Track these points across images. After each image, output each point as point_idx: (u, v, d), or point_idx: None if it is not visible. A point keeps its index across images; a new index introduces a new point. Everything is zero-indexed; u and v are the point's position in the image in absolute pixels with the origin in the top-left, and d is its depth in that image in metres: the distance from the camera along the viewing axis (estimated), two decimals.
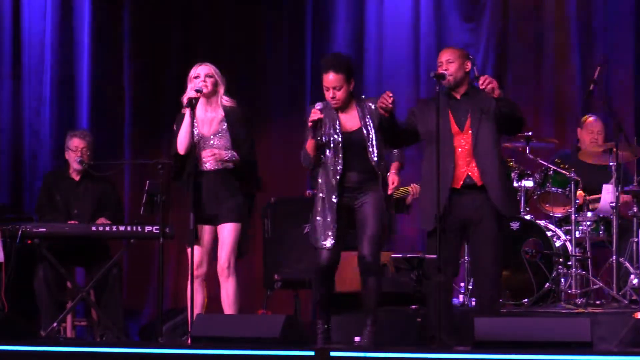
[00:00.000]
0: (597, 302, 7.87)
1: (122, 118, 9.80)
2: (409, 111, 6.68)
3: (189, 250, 6.69)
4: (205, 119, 6.95)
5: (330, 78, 6.61)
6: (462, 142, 6.46)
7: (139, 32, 9.87)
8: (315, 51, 9.76)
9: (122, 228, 7.65)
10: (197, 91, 6.82)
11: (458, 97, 6.53)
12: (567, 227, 8.09)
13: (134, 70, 9.85)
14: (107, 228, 7.68)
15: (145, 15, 9.90)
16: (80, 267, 8.27)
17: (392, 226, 6.78)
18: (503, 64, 9.55)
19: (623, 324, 6.88)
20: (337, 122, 6.65)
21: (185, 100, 6.85)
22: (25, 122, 9.72)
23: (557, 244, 8.00)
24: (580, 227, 8.09)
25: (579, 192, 8.10)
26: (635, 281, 7.81)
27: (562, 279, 7.94)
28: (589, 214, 8.09)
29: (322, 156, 6.66)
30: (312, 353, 5.68)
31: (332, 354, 5.66)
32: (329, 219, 6.59)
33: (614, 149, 7.75)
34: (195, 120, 6.88)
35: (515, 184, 8.04)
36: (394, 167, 6.87)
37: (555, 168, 8.07)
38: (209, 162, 6.87)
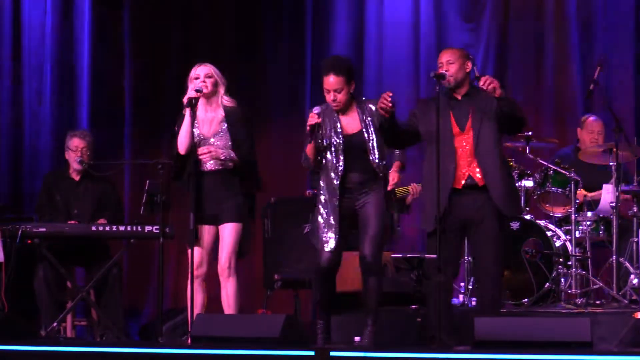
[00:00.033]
0: (597, 302, 7.87)
1: (122, 118, 9.80)
2: (410, 112, 6.68)
3: (189, 250, 6.69)
4: (205, 119, 6.96)
5: (331, 80, 6.61)
6: (463, 143, 6.45)
7: (139, 32, 9.87)
8: (315, 51, 9.76)
9: (122, 228, 7.65)
10: (197, 91, 6.82)
11: (459, 97, 6.53)
12: (567, 227, 8.09)
13: (134, 70, 9.86)
14: (107, 228, 7.68)
15: (145, 15, 9.90)
16: (80, 267, 8.27)
17: (397, 227, 6.78)
18: (503, 64, 9.55)
19: (623, 324, 6.88)
20: (338, 125, 6.65)
21: (185, 100, 6.85)
22: (25, 122, 9.72)
23: (557, 243, 8.00)
24: (580, 227, 8.10)
25: (580, 191, 8.10)
26: (635, 281, 7.81)
27: (562, 279, 7.94)
28: (589, 213, 8.09)
29: (323, 159, 6.66)
30: (312, 353, 5.68)
31: (332, 353, 5.66)
32: (331, 221, 6.59)
33: (614, 149, 7.75)
34: (196, 121, 6.89)
35: (515, 184, 8.04)
36: (395, 166, 6.87)
37: (555, 168, 8.07)
38: (208, 162, 6.88)
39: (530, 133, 8.16)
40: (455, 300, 7.95)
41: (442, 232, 6.21)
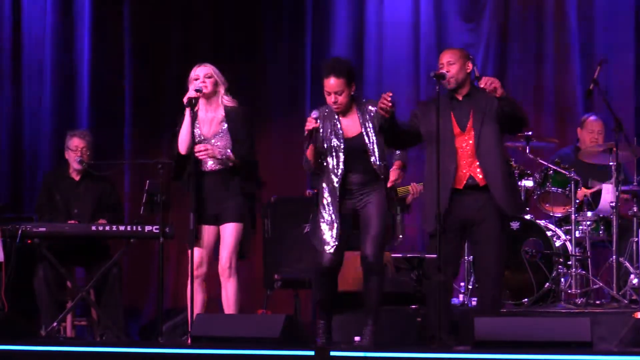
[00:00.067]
0: (597, 302, 7.88)
1: (122, 118, 9.80)
2: (411, 113, 6.68)
3: (189, 250, 6.69)
4: (205, 120, 6.96)
5: (332, 83, 6.61)
6: (464, 143, 6.45)
7: (139, 31, 9.87)
8: (315, 51, 9.76)
9: (122, 228, 7.64)
10: (197, 91, 6.83)
11: (460, 98, 6.53)
12: (567, 227, 8.09)
13: (134, 70, 9.85)
14: (107, 228, 7.68)
15: (145, 15, 9.90)
16: (80, 266, 8.27)
17: (402, 229, 6.77)
18: (503, 64, 9.55)
19: (623, 324, 6.88)
20: (338, 127, 6.65)
21: (185, 100, 6.85)
22: (25, 122, 9.72)
23: (557, 243, 8.00)
24: (580, 227, 8.10)
25: (581, 190, 8.10)
26: (635, 281, 7.81)
27: (562, 279, 7.95)
28: (589, 213, 8.09)
29: (323, 161, 6.66)
30: (312, 353, 5.68)
31: (332, 353, 5.66)
32: (332, 222, 6.59)
33: (614, 149, 7.75)
34: (197, 121, 6.90)
35: (517, 184, 8.03)
36: (395, 165, 6.87)
37: (555, 168, 8.07)
38: (209, 162, 6.88)
39: (530, 133, 8.16)
40: (455, 300, 7.96)
41: (442, 232, 6.21)
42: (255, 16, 9.91)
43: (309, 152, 6.64)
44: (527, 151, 8.20)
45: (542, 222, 8.10)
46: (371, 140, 6.61)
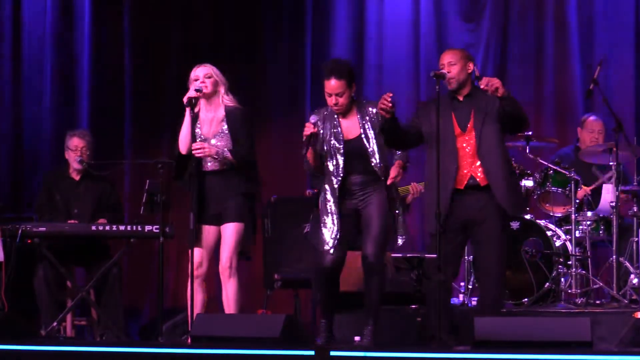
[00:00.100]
0: (597, 302, 7.88)
1: (122, 118, 9.80)
2: (413, 114, 6.68)
3: (189, 250, 6.69)
4: (206, 120, 6.97)
5: (332, 84, 6.61)
6: (465, 144, 6.45)
7: (139, 32, 9.87)
8: (315, 51, 9.76)
9: (122, 227, 7.65)
10: (197, 91, 6.83)
11: (461, 98, 6.53)
12: (567, 227, 8.09)
13: (134, 70, 9.85)
14: (107, 227, 7.68)
15: (145, 15, 9.90)
16: (80, 266, 8.27)
17: (405, 229, 6.75)
18: (503, 64, 9.55)
19: (623, 323, 6.88)
20: (338, 129, 6.66)
21: (185, 100, 6.86)
22: (25, 122, 9.72)
23: (557, 243, 8.00)
24: (580, 227, 8.10)
25: (582, 188, 8.10)
26: (635, 281, 7.81)
27: (562, 279, 7.94)
28: (589, 213, 8.09)
29: (324, 163, 6.66)
30: (312, 353, 5.68)
31: (332, 353, 5.66)
32: (334, 224, 6.59)
33: (614, 149, 7.75)
34: (198, 121, 6.91)
35: (518, 184, 8.03)
36: (396, 164, 6.86)
37: (555, 168, 8.07)
38: (209, 162, 6.89)
39: (530, 133, 8.15)
40: (455, 300, 7.96)
41: (443, 232, 6.21)
42: (255, 16, 9.91)
43: (309, 156, 6.65)
44: (527, 151, 8.20)
45: (542, 222, 8.10)
46: (371, 142, 6.61)
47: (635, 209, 7.86)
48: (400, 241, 6.72)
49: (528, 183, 8.11)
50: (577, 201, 8.02)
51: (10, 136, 9.65)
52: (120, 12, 9.86)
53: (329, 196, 6.62)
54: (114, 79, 9.82)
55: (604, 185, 8.03)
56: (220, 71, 7.00)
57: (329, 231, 6.59)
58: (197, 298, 6.78)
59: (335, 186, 6.61)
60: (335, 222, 6.59)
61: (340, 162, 6.62)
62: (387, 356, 5.69)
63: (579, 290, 7.82)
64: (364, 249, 6.59)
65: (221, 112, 6.95)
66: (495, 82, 6.26)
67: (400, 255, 7.60)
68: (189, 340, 6.42)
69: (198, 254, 6.84)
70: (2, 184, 9.56)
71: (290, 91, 9.84)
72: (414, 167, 7.51)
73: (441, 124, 6.32)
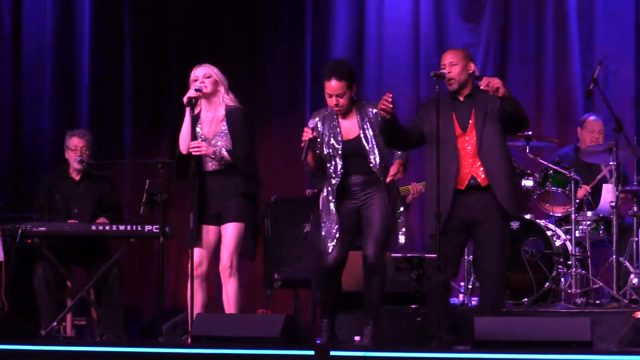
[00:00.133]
0: (597, 302, 7.88)
1: (122, 117, 9.80)
2: (414, 115, 6.68)
3: (189, 250, 6.69)
4: (206, 119, 6.97)
5: (333, 85, 6.61)
6: (466, 144, 6.45)
7: (139, 32, 9.87)
8: (315, 51, 9.77)
9: (122, 227, 7.65)
10: (197, 91, 6.84)
11: (461, 98, 6.53)
12: (567, 227, 8.09)
13: (134, 70, 9.85)
14: (107, 227, 7.68)
15: (145, 15, 9.90)
16: (80, 266, 8.26)
17: (408, 228, 6.75)
18: (503, 64, 9.55)
19: (623, 323, 6.88)
20: (338, 130, 6.66)
21: (185, 99, 6.86)
22: (25, 122, 9.71)
23: (557, 243, 8.00)
24: (580, 227, 8.10)
25: (582, 188, 8.10)
26: (635, 280, 7.81)
27: (562, 279, 7.94)
28: (589, 213, 8.09)
29: (325, 164, 6.66)
30: (312, 353, 5.68)
31: (332, 353, 5.66)
32: (334, 224, 6.59)
33: (614, 149, 7.75)
34: (199, 121, 6.91)
35: (519, 183, 8.03)
36: (396, 163, 6.85)
37: (555, 167, 8.07)
38: (210, 162, 6.89)
39: (530, 133, 8.15)
40: (455, 300, 7.95)
41: (443, 232, 6.21)
42: (255, 16, 9.91)
43: (309, 158, 6.65)
44: (527, 151, 8.20)
45: (542, 222, 8.10)
46: (370, 143, 6.61)
47: (635, 208, 7.86)
48: (402, 239, 6.71)
49: (528, 183, 8.11)
50: (577, 201, 8.02)
51: (10, 136, 9.65)
52: (120, 12, 9.86)
53: (331, 199, 6.62)
54: (114, 79, 9.82)
55: (604, 185, 8.03)
56: (221, 71, 7.00)
57: (330, 230, 6.59)
58: (197, 298, 6.79)
59: (335, 186, 6.61)
60: (336, 221, 6.59)
61: (339, 162, 6.62)
62: (387, 356, 5.69)
63: (579, 290, 7.82)
64: (364, 249, 6.60)
65: (221, 112, 6.96)
66: (496, 82, 6.26)
67: (400, 255, 7.60)
68: (189, 340, 6.42)
69: (198, 254, 6.84)
70: (2, 184, 9.55)
71: (290, 91, 9.84)
72: (414, 166, 7.52)
73: (442, 124, 6.32)
